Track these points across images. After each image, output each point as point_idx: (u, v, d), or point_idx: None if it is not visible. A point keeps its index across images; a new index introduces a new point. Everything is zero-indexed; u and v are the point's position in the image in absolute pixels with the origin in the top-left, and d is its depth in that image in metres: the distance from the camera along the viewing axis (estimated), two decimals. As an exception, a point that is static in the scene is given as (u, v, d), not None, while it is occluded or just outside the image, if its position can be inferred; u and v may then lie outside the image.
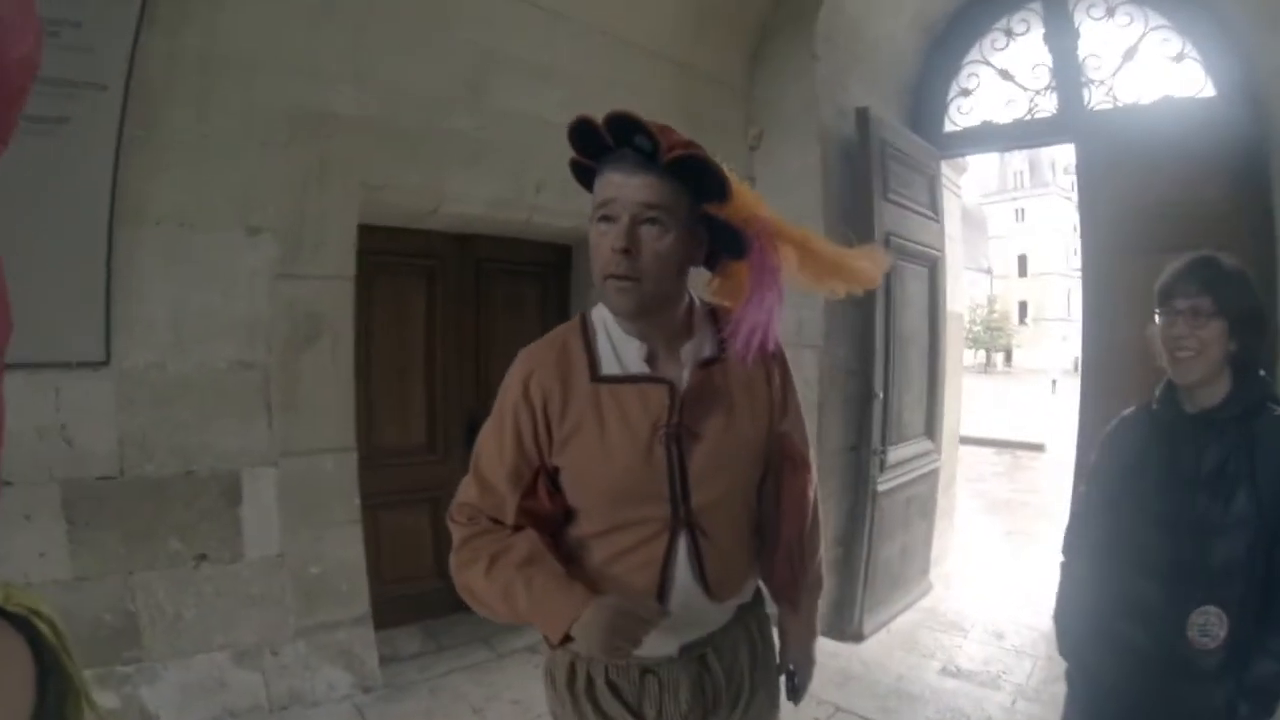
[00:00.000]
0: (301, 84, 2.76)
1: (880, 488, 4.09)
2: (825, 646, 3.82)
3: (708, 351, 1.32)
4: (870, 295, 3.96)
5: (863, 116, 4.05)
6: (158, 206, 2.52)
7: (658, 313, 1.26)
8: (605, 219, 1.20)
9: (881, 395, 4.08)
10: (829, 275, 1.37)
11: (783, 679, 1.50)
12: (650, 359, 1.27)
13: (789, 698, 1.51)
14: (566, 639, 1.17)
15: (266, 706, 2.76)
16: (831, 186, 4.11)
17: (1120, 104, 4.09)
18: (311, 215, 2.81)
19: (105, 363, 2.43)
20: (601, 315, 1.31)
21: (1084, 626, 1.74)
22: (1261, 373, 1.61)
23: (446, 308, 3.85)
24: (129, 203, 2.45)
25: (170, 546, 2.58)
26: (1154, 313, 1.64)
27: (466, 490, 1.31)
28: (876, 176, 4.04)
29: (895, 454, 4.27)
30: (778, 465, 1.37)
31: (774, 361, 1.37)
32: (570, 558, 1.28)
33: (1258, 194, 3.42)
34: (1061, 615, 1.85)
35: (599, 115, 1.19)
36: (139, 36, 2.40)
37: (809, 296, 3.83)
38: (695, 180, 1.20)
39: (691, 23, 4.05)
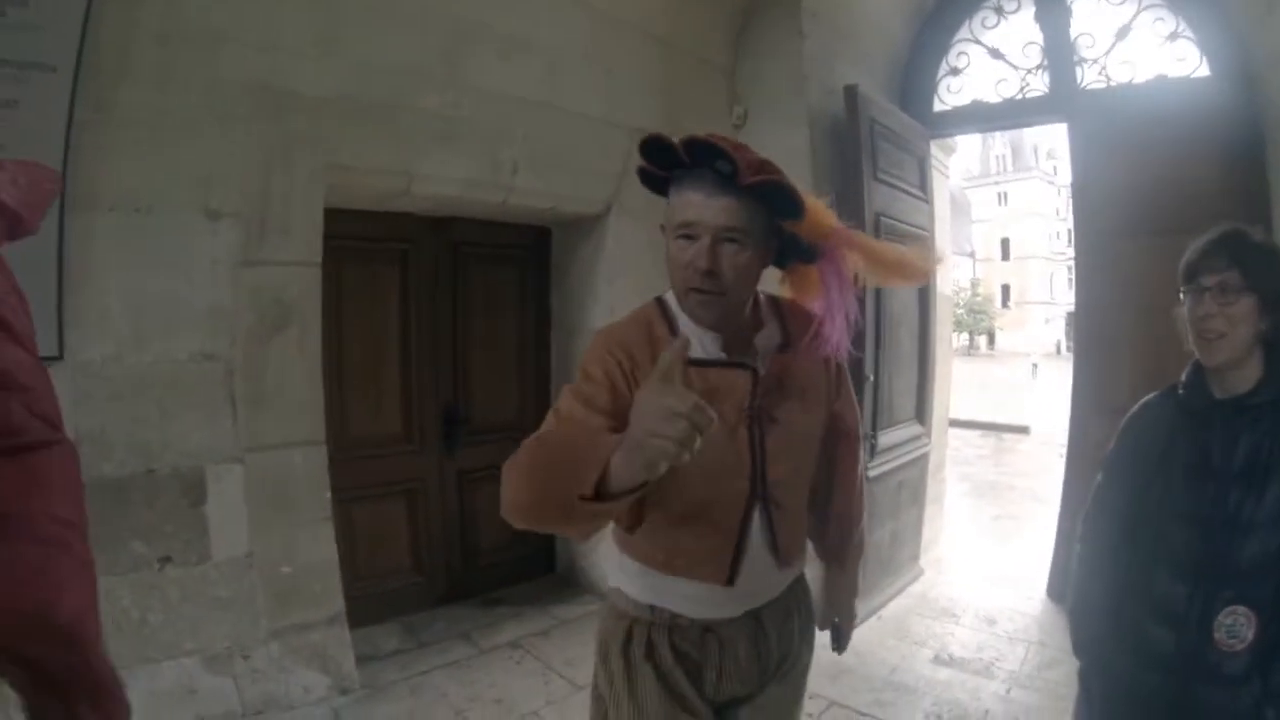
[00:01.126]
0: (264, 58, 2.62)
1: (871, 473, 4.01)
2: (818, 637, 3.79)
3: (778, 341, 1.41)
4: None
5: (851, 94, 3.95)
6: (112, 191, 2.38)
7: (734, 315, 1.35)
8: (686, 236, 1.27)
9: (873, 379, 4.00)
10: (892, 275, 1.51)
11: (828, 632, 1.68)
12: (726, 348, 1.35)
13: (834, 648, 1.71)
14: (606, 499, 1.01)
15: (240, 712, 2.65)
16: (820, 167, 4.02)
17: (1113, 83, 4.04)
18: (276, 198, 2.68)
19: (59, 357, 2.30)
20: (677, 302, 1.38)
21: (1102, 624, 1.64)
22: None
23: (421, 293, 3.74)
24: (81, 188, 2.31)
25: (133, 549, 2.46)
26: (1179, 292, 1.54)
27: (544, 424, 1.26)
28: (866, 156, 3.94)
29: (886, 438, 4.20)
30: (834, 440, 1.57)
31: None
32: (649, 530, 1.36)
33: (1252, 174, 3.39)
34: (1078, 611, 1.74)
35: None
36: (91, 11, 2.26)
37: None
38: (771, 200, 1.26)
39: (675, 1, 3.93)
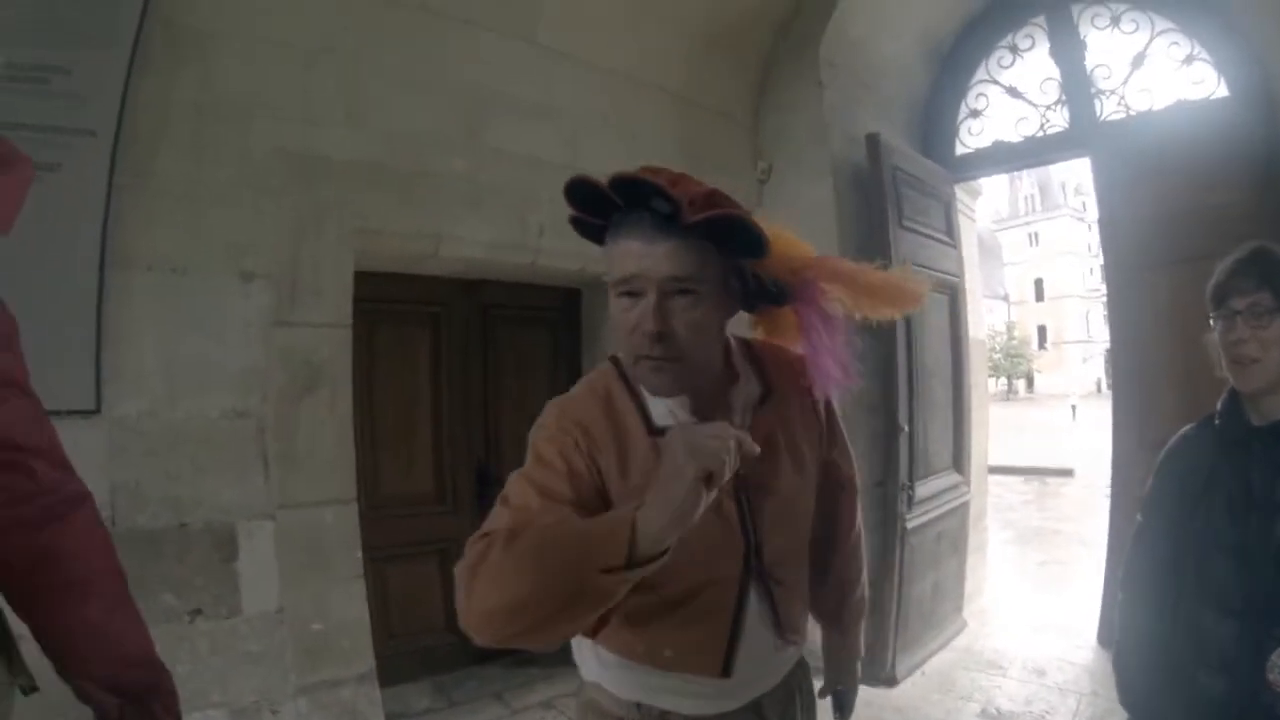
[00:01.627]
0: (295, 128, 2.72)
1: (909, 524, 3.95)
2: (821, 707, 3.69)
3: (756, 392, 1.26)
4: (891, 326, 3.85)
5: (873, 143, 3.98)
6: (149, 253, 2.46)
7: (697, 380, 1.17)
8: (629, 293, 1.09)
9: (907, 429, 3.95)
10: (882, 304, 1.31)
11: (829, 700, 1.55)
12: (698, 410, 1.18)
13: (836, 717, 1.58)
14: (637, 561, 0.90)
15: (268, 767, 2.63)
16: (845, 217, 4.03)
17: (1133, 112, 4.03)
18: (306, 261, 2.74)
19: (96, 411, 2.35)
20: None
21: (1149, 673, 1.56)
22: None
23: (452, 355, 3.78)
24: (120, 249, 2.39)
25: (163, 600, 2.47)
26: (1208, 317, 1.50)
27: (492, 521, 1.08)
28: (891, 204, 3.96)
29: (923, 489, 4.13)
30: (829, 493, 1.40)
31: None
32: (625, 618, 1.17)
33: (1278, 193, 3.31)
34: (1122, 661, 1.67)
35: (600, 172, 1.06)
36: (130, 82, 2.36)
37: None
38: (725, 237, 1.08)
39: (693, 56, 4.01)
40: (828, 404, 1.37)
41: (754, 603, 1.20)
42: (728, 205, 1.07)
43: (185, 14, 2.48)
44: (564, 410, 1.19)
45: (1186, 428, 1.62)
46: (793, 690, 1.34)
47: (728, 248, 1.11)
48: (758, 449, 0.91)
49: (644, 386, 1.16)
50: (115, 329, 2.38)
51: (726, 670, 1.18)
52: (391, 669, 3.14)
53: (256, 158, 2.64)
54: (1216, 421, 1.53)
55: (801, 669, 1.37)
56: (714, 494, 0.88)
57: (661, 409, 1.18)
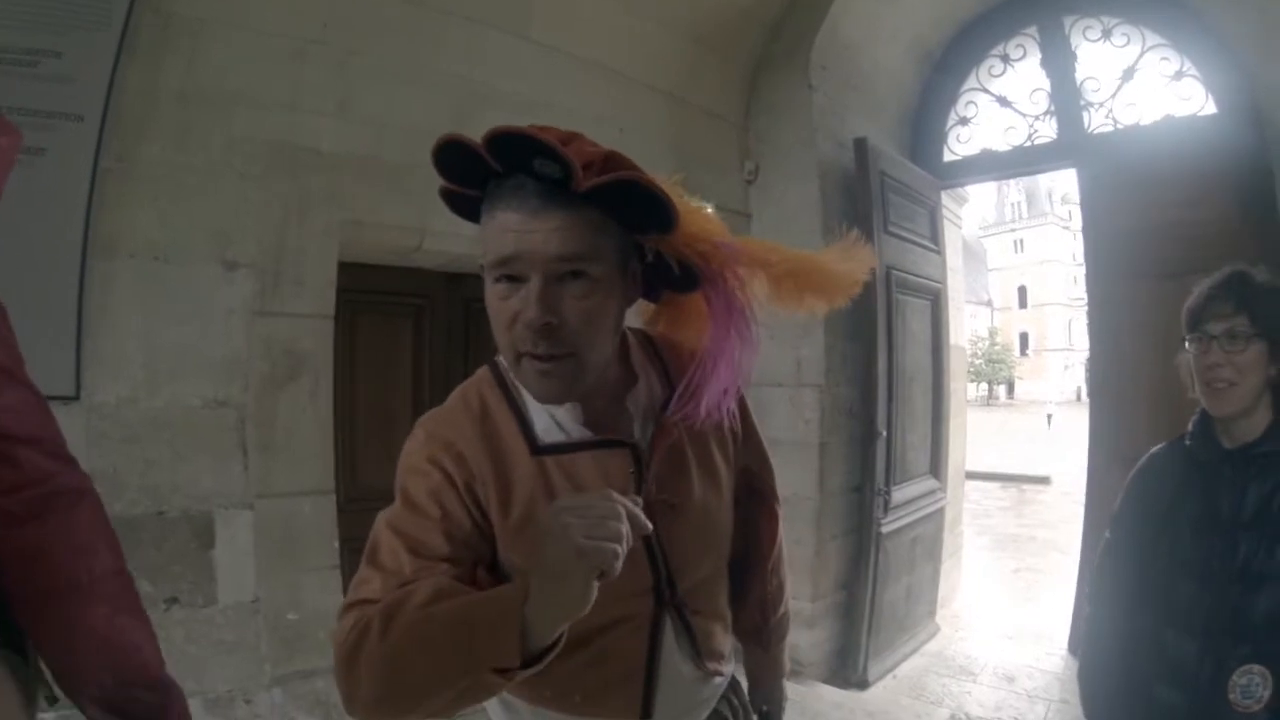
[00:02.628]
0: (283, 117, 2.70)
1: (885, 529, 3.98)
2: (829, 696, 3.74)
3: (659, 395, 1.09)
4: (871, 331, 3.91)
5: (861, 147, 4.00)
6: (132, 239, 2.44)
7: (590, 382, 0.98)
8: (508, 278, 0.90)
9: (885, 434, 3.99)
10: (808, 292, 1.10)
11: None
12: (591, 421, 1.02)
13: None
14: (529, 661, 0.79)
15: (240, 758, 2.62)
16: (831, 220, 4.04)
17: (1121, 125, 4.07)
18: (290, 251, 2.73)
19: (75, 397, 2.33)
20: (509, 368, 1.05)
21: (1113, 688, 1.59)
22: None
23: (434, 349, 3.76)
24: (103, 235, 2.37)
25: (140, 588, 2.45)
26: (1183, 339, 1.52)
27: (363, 586, 0.93)
28: (876, 209, 3.98)
29: (900, 494, 4.17)
30: (747, 504, 1.25)
31: None
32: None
33: (1265, 210, 3.35)
34: (1087, 674, 1.70)
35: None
36: (118, 67, 2.34)
37: (809, 334, 3.83)
38: (624, 205, 0.91)
39: (685, 56, 4.01)
40: (741, 404, 1.20)
41: (670, 637, 1.07)
42: (629, 168, 0.90)
43: (177, 2, 2.46)
44: (432, 433, 1.03)
45: (1156, 448, 1.65)
46: (725, 716, 1.21)
47: (629, 221, 0.94)
48: (650, 526, 0.79)
49: (528, 392, 1.00)
50: (97, 315, 2.37)
51: (646, 712, 1.06)
52: (366, 661, 3.12)
53: (243, 146, 2.62)
54: (1187, 443, 1.56)
55: (734, 691, 1.26)
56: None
57: (546, 421, 1.02)
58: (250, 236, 2.64)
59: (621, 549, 0.75)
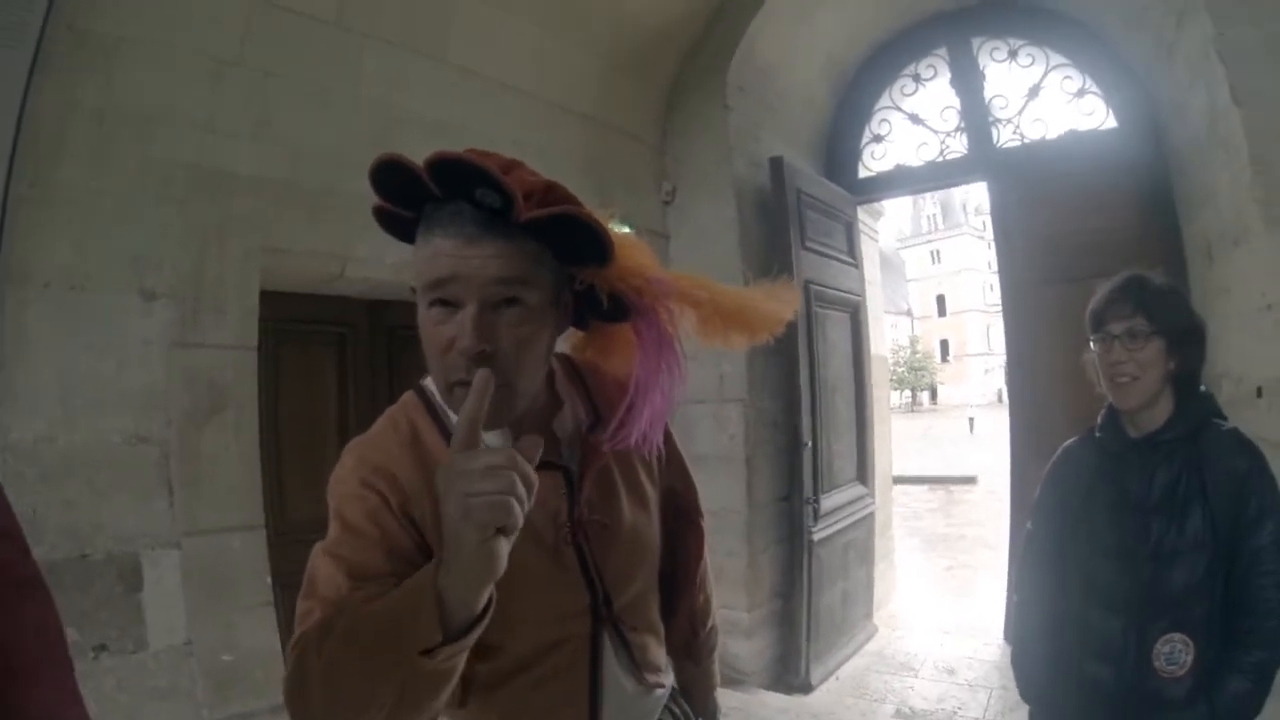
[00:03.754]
0: (200, 141, 2.63)
1: (816, 537, 4.06)
2: (773, 702, 3.78)
3: (584, 419, 1.10)
4: (793, 345, 3.99)
5: (777, 166, 4.11)
6: (47, 268, 2.33)
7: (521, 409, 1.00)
8: (442, 302, 0.91)
9: (810, 444, 4.07)
10: (734, 329, 1.12)
11: None
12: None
13: None
14: (453, 635, 0.78)
15: (177, 807, 2.52)
16: (749, 238, 4.14)
17: (1027, 140, 4.30)
18: (210, 279, 2.65)
19: (-12, 436, 2.22)
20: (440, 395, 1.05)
21: (1045, 668, 1.69)
22: (1203, 388, 1.60)
23: (359, 377, 3.70)
24: (15, 264, 2.26)
25: (66, 636, 2.35)
26: (1087, 340, 1.63)
27: (306, 619, 0.91)
28: (794, 225, 4.08)
29: (828, 501, 4.27)
30: (673, 523, 1.26)
31: None
32: (482, 687, 1.02)
33: (1164, 216, 3.60)
34: (1019, 658, 1.79)
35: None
36: (30, 88, 2.24)
37: (730, 351, 3.84)
38: (562, 237, 0.93)
39: (603, 79, 4.05)
40: (664, 427, 1.19)
41: (610, 653, 1.08)
42: (569, 200, 0.93)
43: (91, 19, 2.37)
44: (363, 457, 1.02)
45: (1069, 441, 1.76)
46: None
47: (565, 254, 0.96)
48: (535, 479, 0.77)
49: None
50: (11, 348, 2.26)
51: None
52: (304, 699, 3.04)
53: (160, 170, 2.55)
54: (1097, 434, 1.67)
55: (675, 701, 1.27)
56: (513, 538, 0.76)
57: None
58: (169, 264, 2.56)
59: (514, 500, 0.73)
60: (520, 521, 0.75)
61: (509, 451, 0.76)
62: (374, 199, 0.96)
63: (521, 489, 0.74)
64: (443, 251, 0.88)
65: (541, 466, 0.91)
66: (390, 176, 0.91)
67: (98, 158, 2.42)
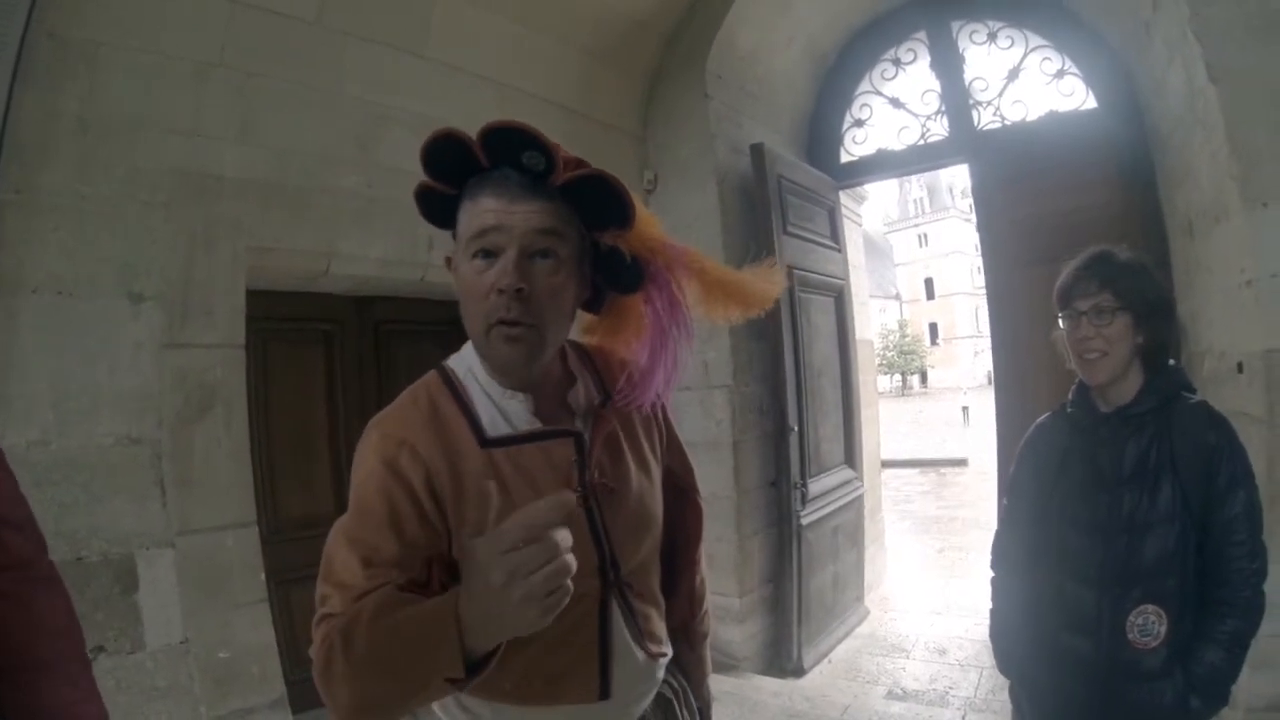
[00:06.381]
0: (185, 144, 2.64)
1: (804, 520, 4.10)
2: (766, 686, 3.82)
3: (596, 395, 1.18)
4: (777, 329, 4.01)
5: (758, 152, 4.12)
6: (36, 274, 2.34)
7: (545, 362, 1.10)
8: (484, 253, 1.01)
9: (797, 428, 4.10)
10: (731, 302, 1.21)
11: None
12: (540, 413, 1.10)
13: None
14: (476, 667, 0.86)
15: (179, 804, 2.54)
16: (731, 225, 4.16)
17: (1008, 122, 4.31)
18: (198, 281, 2.67)
19: (-17, 442, 2.24)
20: (468, 366, 1.14)
21: (1021, 642, 1.72)
22: (1172, 361, 1.63)
23: (346, 373, 3.73)
24: (4, 271, 2.28)
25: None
26: (1057, 317, 1.66)
27: (325, 603, 0.98)
28: (775, 211, 4.10)
29: (816, 485, 4.30)
30: (673, 503, 1.31)
31: None
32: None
33: (1146, 195, 3.62)
34: (997, 632, 1.83)
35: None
36: (13, 95, 2.25)
37: (715, 337, 3.91)
38: (589, 206, 1.05)
39: (582, 70, 4.07)
40: (663, 410, 1.30)
41: (618, 618, 1.13)
42: (603, 171, 1.03)
43: (71, 26, 2.38)
44: (386, 433, 1.07)
45: (1042, 417, 1.80)
46: (669, 699, 1.27)
47: (593, 219, 1.07)
48: (575, 503, 0.83)
49: (491, 365, 1.09)
50: (1, 355, 2.28)
51: (605, 692, 1.10)
52: (304, 695, 3.04)
53: (146, 174, 2.56)
54: (1069, 410, 1.70)
55: (672, 674, 1.31)
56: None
57: (492, 416, 1.09)
58: (156, 267, 2.58)
59: (565, 566, 0.79)
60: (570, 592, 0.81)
61: (548, 518, 0.80)
62: (422, 179, 1.05)
63: (565, 554, 0.80)
64: (489, 208, 1.00)
65: (554, 434, 1.09)
66: (442, 152, 1.01)
67: (83, 164, 2.44)
